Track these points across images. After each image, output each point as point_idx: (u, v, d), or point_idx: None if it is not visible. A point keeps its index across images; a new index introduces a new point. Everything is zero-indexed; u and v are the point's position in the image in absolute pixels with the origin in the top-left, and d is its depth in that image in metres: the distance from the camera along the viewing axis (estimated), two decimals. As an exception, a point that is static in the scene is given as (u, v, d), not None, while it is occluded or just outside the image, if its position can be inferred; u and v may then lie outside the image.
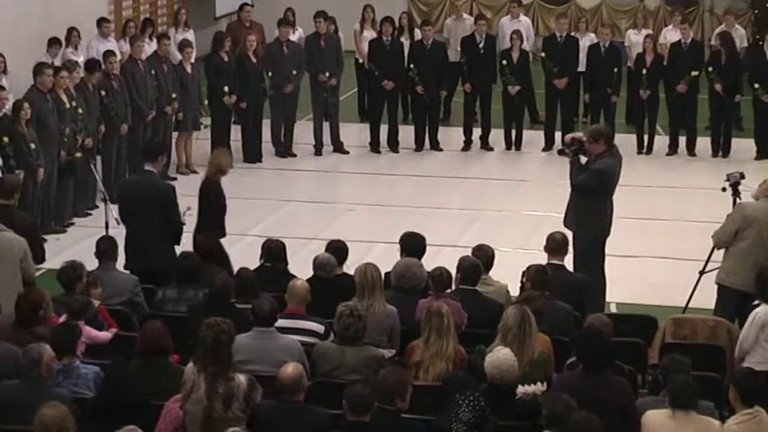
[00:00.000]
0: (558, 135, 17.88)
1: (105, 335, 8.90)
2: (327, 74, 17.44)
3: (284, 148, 17.60)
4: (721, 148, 17.55)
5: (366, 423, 7.09)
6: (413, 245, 9.98)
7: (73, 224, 14.39)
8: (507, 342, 7.89)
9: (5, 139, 13.07)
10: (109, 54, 15.48)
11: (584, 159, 11.06)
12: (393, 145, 17.96)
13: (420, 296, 9.25)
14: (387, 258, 10.05)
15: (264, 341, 8.28)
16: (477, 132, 18.06)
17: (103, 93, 15.01)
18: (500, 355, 7.55)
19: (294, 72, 17.27)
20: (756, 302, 9.08)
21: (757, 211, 10.10)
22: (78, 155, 14.22)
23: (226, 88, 16.62)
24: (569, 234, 10.45)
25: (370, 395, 7.12)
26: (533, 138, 18.26)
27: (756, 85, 17.21)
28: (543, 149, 17.96)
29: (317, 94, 17.62)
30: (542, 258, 10.03)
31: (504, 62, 17.77)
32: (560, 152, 11.19)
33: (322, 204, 15.73)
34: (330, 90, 17.59)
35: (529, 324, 8.02)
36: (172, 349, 8.03)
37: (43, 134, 13.57)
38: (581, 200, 11.05)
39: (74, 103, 14.22)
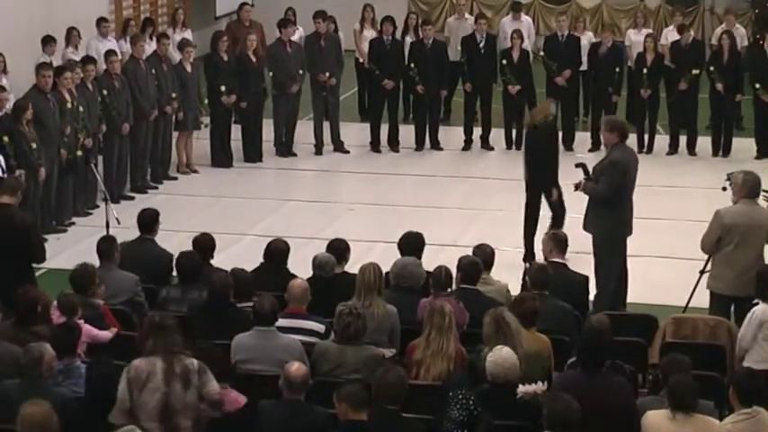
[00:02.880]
0: (558, 135, 17.90)
1: (106, 334, 8.91)
2: (327, 74, 17.44)
3: (285, 148, 17.60)
4: (722, 148, 17.56)
5: (365, 422, 7.10)
6: (411, 244, 10.00)
7: (73, 224, 14.40)
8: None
9: (5, 138, 13.07)
10: (110, 53, 15.49)
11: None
12: (393, 144, 17.96)
13: (421, 295, 9.27)
14: (387, 258, 10.05)
15: (265, 340, 8.29)
16: (477, 132, 18.06)
17: (105, 92, 15.02)
18: (502, 354, 7.55)
19: (300, 72, 17.28)
20: (756, 301, 9.08)
21: (736, 217, 10.07)
22: (79, 153, 14.23)
23: (223, 88, 16.62)
24: (570, 234, 10.42)
25: (365, 391, 7.13)
26: (534, 137, 18.22)
27: (757, 85, 17.22)
28: (544, 149, 17.94)
29: (316, 93, 17.62)
30: (542, 257, 10.05)
31: (505, 62, 17.77)
32: (576, 186, 11.30)
33: (322, 204, 15.74)
34: (330, 90, 17.60)
35: (506, 325, 7.98)
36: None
37: (42, 134, 13.57)
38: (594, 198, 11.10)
39: (75, 103, 14.23)
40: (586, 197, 11.30)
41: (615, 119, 11.72)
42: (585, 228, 11.13)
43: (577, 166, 11.38)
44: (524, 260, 12.81)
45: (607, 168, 11.03)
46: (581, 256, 11.29)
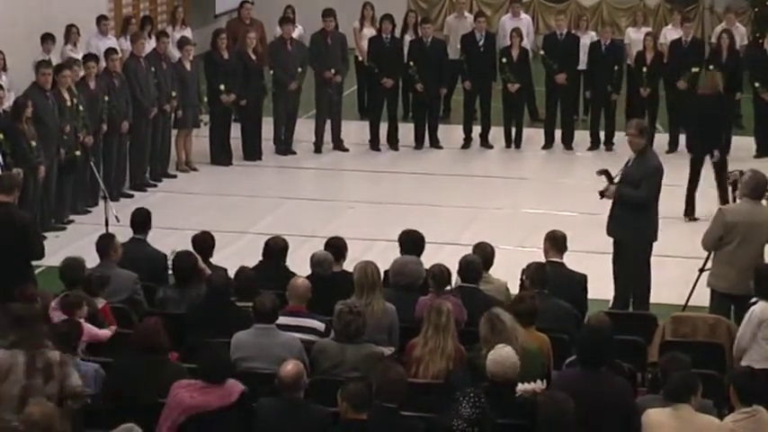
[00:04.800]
0: (557, 133, 17.94)
1: (105, 333, 8.90)
2: (333, 71, 17.43)
3: (284, 146, 17.60)
4: (721, 147, 17.55)
5: (364, 421, 7.09)
6: (411, 242, 9.99)
7: (73, 222, 14.39)
8: (490, 350, 7.84)
9: (1, 136, 13.05)
10: (111, 52, 15.48)
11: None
12: (393, 143, 17.95)
13: (420, 293, 9.26)
14: (386, 256, 10.06)
15: (265, 338, 8.29)
16: (476, 130, 18.05)
17: (104, 90, 15.00)
18: (502, 353, 7.54)
19: (299, 69, 17.28)
20: (754, 300, 9.08)
21: (738, 216, 10.08)
22: (77, 152, 14.22)
23: (222, 86, 16.61)
24: (566, 233, 10.39)
25: (369, 391, 7.12)
26: (533, 135, 18.25)
27: (757, 84, 17.21)
28: (543, 147, 17.96)
29: (322, 91, 17.61)
30: (542, 256, 10.04)
31: (504, 60, 17.77)
32: (603, 194, 11.30)
33: (322, 202, 15.73)
34: (335, 87, 17.59)
35: (501, 322, 7.98)
36: (168, 347, 8.02)
37: (42, 132, 13.56)
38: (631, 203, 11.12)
39: (75, 101, 14.22)
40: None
41: (640, 122, 11.63)
42: (610, 232, 11.18)
43: (600, 173, 11.35)
44: (685, 214, 14.40)
45: (651, 175, 11.00)
46: (581, 255, 11.29)
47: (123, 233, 10.78)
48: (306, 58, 17.44)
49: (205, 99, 16.84)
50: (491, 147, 18.01)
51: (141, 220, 10.66)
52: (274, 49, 17.49)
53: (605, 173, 11.32)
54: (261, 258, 10.20)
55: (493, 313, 8.06)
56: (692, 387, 7.29)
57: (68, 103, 14.11)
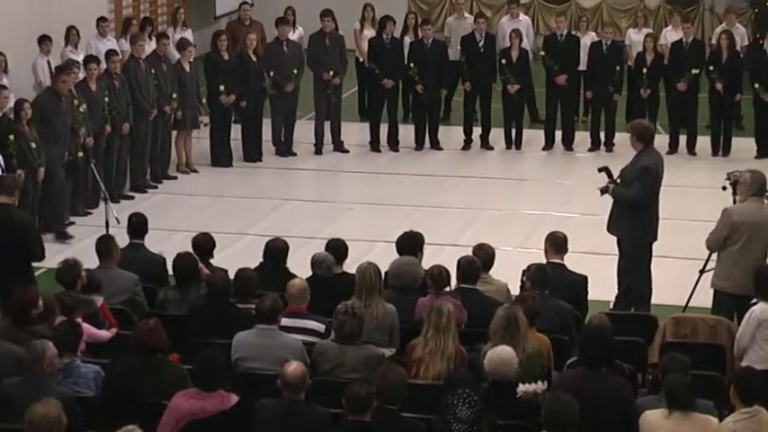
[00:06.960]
0: (558, 134, 17.94)
1: (105, 334, 8.90)
2: (332, 72, 17.43)
3: (284, 147, 17.60)
4: (721, 147, 17.55)
5: (366, 423, 7.09)
6: (410, 243, 9.99)
7: (73, 223, 14.39)
8: (496, 345, 7.86)
9: (11, 137, 13.07)
10: (111, 53, 15.48)
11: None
12: (393, 144, 17.95)
13: (419, 294, 9.26)
14: (387, 257, 10.04)
15: (266, 339, 8.30)
16: (477, 131, 18.05)
17: (106, 92, 15.00)
18: (501, 353, 7.55)
19: (295, 71, 17.27)
20: (754, 301, 9.07)
21: (744, 216, 10.07)
22: (80, 154, 14.22)
23: (221, 87, 16.61)
24: (566, 234, 10.39)
25: (368, 394, 7.12)
26: (533, 137, 18.26)
27: (757, 85, 17.21)
28: (543, 148, 17.96)
29: (320, 92, 17.61)
30: (542, 257, 10.04)
31: (504, 61, 17.77)
32: (603, 191, 11.27)
33: (322, 203, 15.75)
34: (333, 89, 17.58)
35: (516, 325, 7.99)
36: (166, 347, 8.02)
37: (50, 134, 13.57)
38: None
39: (76, 102, 14.22)
40: (606, 198, 11.31)
41: (639, 125, 11.52)
42: (610, 230, 11.17)
43: (600, 170, 11.36)
44: None
45: (639, 174, 10.98)
46: (582, 257, 11.30)
47: (123, 235, 10.77)
48: (302, 60, 17.44)
49: (204, 100, 16.85)
50: (491, 148, 18.01)
51: (138, 225, 10.64)
52: (271, 51, 17.47)
53: (606, 170, 11.32)
54: (261, 260, 10.20)
55: (513, 311, 8.06)
56: (692, 390, 7.28)
57: (76, 104, 14.12)
